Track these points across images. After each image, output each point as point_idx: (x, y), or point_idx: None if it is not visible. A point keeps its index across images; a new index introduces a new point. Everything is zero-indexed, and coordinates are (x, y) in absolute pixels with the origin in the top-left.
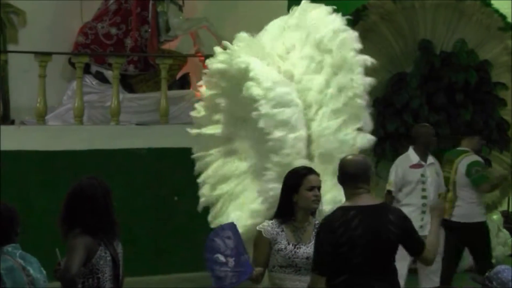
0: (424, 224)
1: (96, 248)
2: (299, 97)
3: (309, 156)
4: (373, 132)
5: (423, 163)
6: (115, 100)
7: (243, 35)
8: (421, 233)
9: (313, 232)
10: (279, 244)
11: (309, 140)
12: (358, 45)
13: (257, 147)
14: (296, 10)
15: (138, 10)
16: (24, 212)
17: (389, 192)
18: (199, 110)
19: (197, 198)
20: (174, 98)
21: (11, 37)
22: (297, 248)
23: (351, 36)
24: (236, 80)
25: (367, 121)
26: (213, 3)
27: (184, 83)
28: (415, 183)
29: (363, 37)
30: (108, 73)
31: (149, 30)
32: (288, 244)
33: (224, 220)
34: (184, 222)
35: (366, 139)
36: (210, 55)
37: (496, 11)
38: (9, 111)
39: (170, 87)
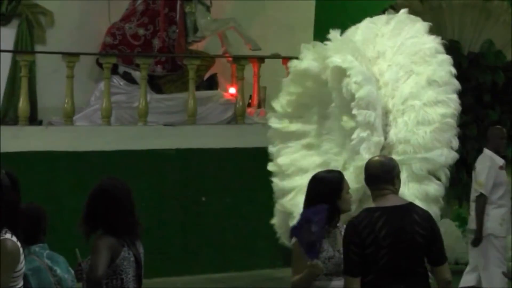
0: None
1: (119, 249)
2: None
3: None
4: None
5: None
6: (142, 100)
7: (334, 34)
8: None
9: (341, 235)
10: (328, 252)
11: (382, 146)
12: (454, 70)
13: (339, 145)
14: (393, 20)
15: (165, 11)
16: (52, 212)
17: (482, 194)
18: (283, 106)
19: (225, 198)
20: (202, 99)
21: (38, 37)
22: (341, 254)
23: (449, 59)
24: (322, 79)
25: (452, 140)
26: (241, 3)
27: (212, 83)
28: (506, 184)
29: None
30: (136, 74)
31: (177, 30)
32: (334, 250)
33: (295, 211)
34: (211, 223)
35: (450, 156)
36: (238, 56)
37: None
38: (37, 111)
39: (197, 88)
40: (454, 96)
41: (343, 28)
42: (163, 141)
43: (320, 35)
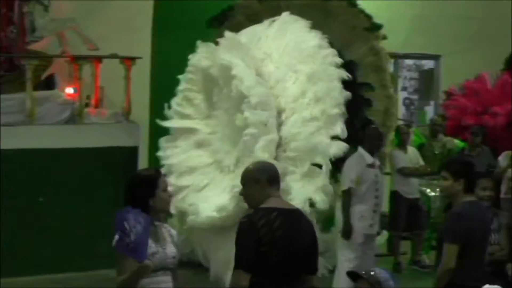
0: (373, 223)
1: None
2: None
3: (276, 158)
4: None
5: (376, 163)
6: None
7: (230, 34)
8: (370, 231)
9: (167, 232)
10: (151, 248)
11: (278, 143)
12: (339, 60)
13: (230, 143)
14: (275, 22)
15: (3, 11)
16: None
17: (349, 189)
18: (180, 104)
19: (63, 199)
20: (40, 99)
21: None
22: (164, 249)
23: (333, 52)
24: (213, 77)
25: (341, 130)
26: (79, 3)
27: (50, 83)
28: (370, 183)
29: None
30: None
31: (15, 30)
32: (156, 246)
33: (188, 209)
34: (50, 223)
35: (339, 147)
36: (77, 55)
37: (362, 11)
38: None
39: (36, 88)
40: (338, 86)
41: (183, 28)
42: (1, 141)
43: (159, 35)
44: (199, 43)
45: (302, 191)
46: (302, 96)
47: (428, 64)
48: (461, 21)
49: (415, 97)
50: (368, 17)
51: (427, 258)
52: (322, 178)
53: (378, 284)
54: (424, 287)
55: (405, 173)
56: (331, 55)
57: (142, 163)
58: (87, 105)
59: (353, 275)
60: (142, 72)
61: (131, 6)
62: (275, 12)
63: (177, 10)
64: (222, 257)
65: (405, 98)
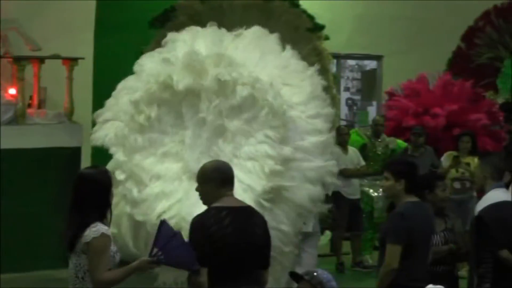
0: (307, 221)
1: None
2: None
3: None
4: None
5: None
6: None
7: (199, 48)
8: (305, 229)
9: None
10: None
11: None
12: (324, 82)
13: (205, 152)
14: (247, 34)
15: None
16: None
17: None
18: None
19: (5, 199)
20: None
21: None
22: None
23: (316, 72)
24: (195, 91)
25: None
26: (21, 4)
27: None
28: None
29: None
30: None
31: None
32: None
33: (152, 218)
34: None
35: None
36: (19, 56)
37: (304, 12)
38: None
39: None
40: (331, 110)
41: (125, 28)
42: None
43: (102, 35)
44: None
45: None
46: (298, 108)
47: (370, 64)
48: (402, 21)
49: (357, 97)
50: (311, 17)
51: (370, 259)
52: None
53: (320, 285)
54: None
55: (346, 174)
56: (316, 77)
57: (85, 163)
58: (29, 105)
59: (295, 276)
60: (84, 72)
61: (73, 6)
62: (217, 12)
63: (119, 11)
64: None
65: (348, 99)
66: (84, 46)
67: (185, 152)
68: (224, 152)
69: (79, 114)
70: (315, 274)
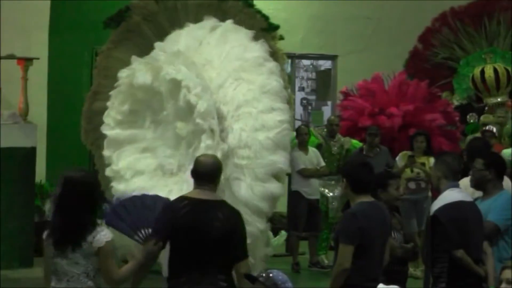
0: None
1: None
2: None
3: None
4: None
5: None
6: None
7: (160, 45)
8: None
9: None
10: None
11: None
12: (281, 80)
13: (174, 148)
14: (219, 28)
15: None
16: None
17: None
18: (113, 117)
19: None
20: None
21: None
22: None
23: (276, 66)
24: (153, 89)
25: (286, 143)
26: None
27: None
28: None
29: (125, 38)
30: None
31: None
32: None
33: None
34: None
35: (285, 161)
36: None
37: (259, 11)
38: None
39: None
40: (286, 105)
41: (79, 28)
42: None
43: (56, 35)
44: (133, 58)
45: (252, 195)
46: (249, 105)
47: (325, 64)
48: (357, 21)
49: (312, 97)
50: (265, 17)
51: (325, 258)
52: (279, 188)
53: (275, 286)
54: (322, 287)
55: (306, 174)
56: (276, 71)
57: (40, 163)
58: None
59: (250, 277)
60: (39, 72)
61: (26, 6)
62: (171, 12)
63: (73, 11)
64: None
65: (302, 99)
66: (38, 46)
67: (159, 148)
68: (186, 152)
69: (34, 114)
70: (270, 275)
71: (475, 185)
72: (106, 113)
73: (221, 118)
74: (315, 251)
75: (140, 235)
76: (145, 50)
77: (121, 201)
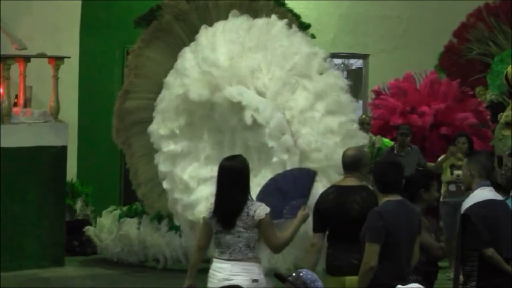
0: None
1: None
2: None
3: None
4: None
5: None
6: None
7: (195, 48)
8: None
9: None
10: None
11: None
12: (344, 81)
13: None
14: (252, 31)
15: None
16: None
17: None
18: (172, 129)
19: None
20: None
21: None
22: None
23: (323, 53)
24: (211, 102)
25: (360, 143)
26: (7, 3)
27: None
28: None
29: (156, 37)
30: None
31: None
32: None
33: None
34: None
35: None
36: (4, 55)
37: (290, 10)
38: None
39: None
40: (347, 97)
41: (110, 27)
42: None
43: (88, 34)
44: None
45: None
46: (311, 109)
47: (356, 63)
48: (388, 20)
49: None
50: (296, 16)
51: None
52: None
53: (304, 285)
54: None
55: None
56: (334, 74)
57: (71, 162)
58: (15, 104)
59: (279, 277)
60: (70, 71)
61: (59, 5)
62: (203, 11)
63: (104, 9)
64: None
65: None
66: (69, 45)
67: (224, 154)
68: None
69: (64, 113)
70: (300, 274)
71: (507, 183)
72: (156, 127)
73: (288, 123)
74: None
75: (289, 209)
76: (176, 49)
77: (272, 178)
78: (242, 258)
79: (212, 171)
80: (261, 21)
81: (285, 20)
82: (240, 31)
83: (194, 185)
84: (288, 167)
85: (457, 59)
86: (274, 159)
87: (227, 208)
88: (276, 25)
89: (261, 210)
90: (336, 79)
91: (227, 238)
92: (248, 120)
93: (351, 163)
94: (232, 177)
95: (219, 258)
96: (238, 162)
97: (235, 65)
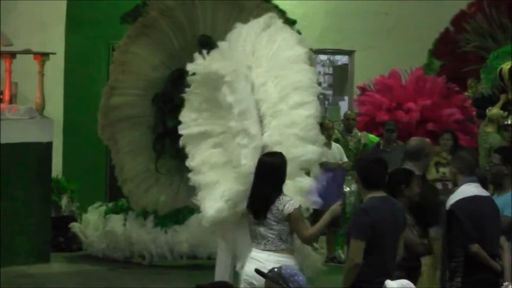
0: None
1: None
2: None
3: None
4: (153, 128)
5: None
6: None
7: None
8: None
9: None
10: None
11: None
12: (315, 77)
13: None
14: (266, 32)
15: None
16: None
17: None
18: (184, 115)
19: None
20: None
21: None
22: None
23: (313, 70)
24: (214, 83)
25: (318, 137)
26: None
27: None
28: None
29: (142, 34)
30: None
31: None
32: None
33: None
34: None
35: (317, 153)
36: None
37: (276, 7)
38: None
39: None
40: (315, 99)
41: (96, 23)
42: None
43: (73, 30)
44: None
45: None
46: (283, 102)
47: (341, 59)
48: (374, 17)
49: (329, 92)
50: (282, 12)
51: (343, 254)
52: (308, 182)
53: (283, 280)
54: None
55: (328, 168)
56: (310, 69)
57: (56, 158)
58: (0, 101)
59: (261, 273)
60: (56, 67)
61: (45, 2)
62: (189, 7)
63: (90, 6)
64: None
65: (320, 93)
66: (55, 41)
67: (226, 143)
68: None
69: (50, 109)
70: (280, 270)
71: (492, 180)
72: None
73: (263, 116)
74: (333, 246)
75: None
76: (162, 45)
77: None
78: (276, 249)
79: (219, 158)
80: (279, 22)
81: (295, 32)
82: (254, 31)
83: (206, 170)
84: (245, 155)
85: (453, 48)
86: (236, 140)
87: (259, 201)
88: (287, 30)
89: (290, 204)
90: (309, 80)
91: (260, 229)
92: (222, 97)
93: (412, 152)
94: (270, 173)
95: (256, 248)
96: (277, 158)
97: (236, 49)
